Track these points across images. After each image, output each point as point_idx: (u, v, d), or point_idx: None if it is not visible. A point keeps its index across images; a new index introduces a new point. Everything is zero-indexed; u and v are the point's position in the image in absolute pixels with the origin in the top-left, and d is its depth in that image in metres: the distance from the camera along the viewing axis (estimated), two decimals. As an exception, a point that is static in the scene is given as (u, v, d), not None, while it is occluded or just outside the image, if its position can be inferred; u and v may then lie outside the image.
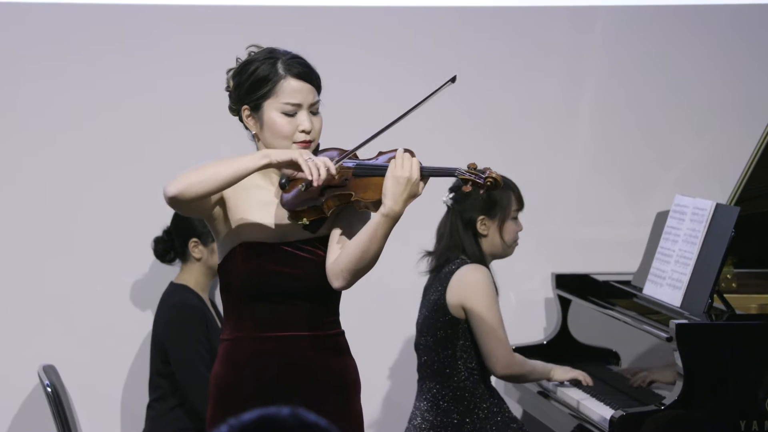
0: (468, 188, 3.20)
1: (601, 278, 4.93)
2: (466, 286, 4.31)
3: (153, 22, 5.08)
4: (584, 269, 5.08)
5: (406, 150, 3.22)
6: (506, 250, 4.49)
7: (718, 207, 4.25)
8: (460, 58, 5.23)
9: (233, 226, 3.31)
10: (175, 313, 4.65)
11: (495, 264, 4.54)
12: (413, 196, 3.18)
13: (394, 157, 3.20)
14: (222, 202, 3.31)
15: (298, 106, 3.30)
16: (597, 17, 5.29)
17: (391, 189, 3.15)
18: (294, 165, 3.16)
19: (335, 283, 3.24)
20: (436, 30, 5.22)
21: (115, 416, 5.09)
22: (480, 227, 4.42)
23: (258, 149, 3.37)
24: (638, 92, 5.33)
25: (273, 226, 3.32)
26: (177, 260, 4.81)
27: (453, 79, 3.29)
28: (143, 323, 4.98)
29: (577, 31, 5.29)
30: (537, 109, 5.28)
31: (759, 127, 4.53)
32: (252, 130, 3.36)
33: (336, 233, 3.30)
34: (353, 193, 3.24)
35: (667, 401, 3.95)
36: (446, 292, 4.35)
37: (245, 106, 3.34)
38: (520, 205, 4.50)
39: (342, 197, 3.26)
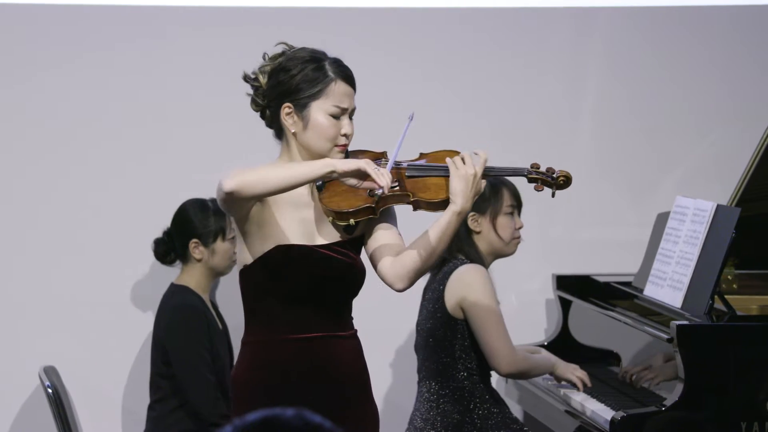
0: (540, 188, 3.36)
1: (601, 279, 4.93)
2: (463, 285, 4.31)
3: (161, 24, 5.08)
4: (585, 270, 5.08)
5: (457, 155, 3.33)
6: (505, 247, 4.48)
7: (719, 208, 4.25)
8: (461, 59, 5.23)
9: (267, 226, 3.30)
10: (176, 315, 4.65)
11: (495, 265, 4.53)
12: (478, 193, 3.30)
13: (450, 159, 3.31)
14: (263, 202, 3.31)
15: (345, 110, 3.35)
16: (598, 19, 5.29)
17: (461, 188, 3.26)
18: (361, 174, 3.18)
19: (399, 284, 3.34)
20: (437, 31, 5.22)
21: (116, 417, 5.08)
22: (471, 224, 4.41)
23: (289, 148, 3.37)
24: (639, 94, 5.33)
25: (307, 228, 3.34)
26: (177, 261, 4.81)
27: (411, 117, 3.37)
28: (144, 324, 4.98)
29: (577, 33, 5.29)
30: (538, 111, 5.28)
31: (760, 128, 4.53)
32: (291, 129, 3.35)
33: (380, 237, 3.36)
34: (411, 193, 3.30)
35: (668, 402, 3.95)
36: (444, 292, 4.35)
37: (286, 104, 3.34)
38: (517, 201, 4.49)
39: (398, 198, 3.31)
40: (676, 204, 4.48)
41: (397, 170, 3.33)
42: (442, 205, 3.31)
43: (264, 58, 3.41)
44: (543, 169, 3.37)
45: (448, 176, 3.32)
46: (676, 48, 5.34)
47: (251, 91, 3.43)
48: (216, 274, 4.78)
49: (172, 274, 4.82)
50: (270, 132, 4.88)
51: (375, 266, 3.39)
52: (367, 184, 3.22)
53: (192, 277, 4.74)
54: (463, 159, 3.29)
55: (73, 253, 5.05)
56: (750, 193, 4.47)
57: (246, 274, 3.35)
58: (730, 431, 3.95)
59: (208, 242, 4.70)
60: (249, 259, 3.32)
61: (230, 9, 5.12)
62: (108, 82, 5.06)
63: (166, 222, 4.79)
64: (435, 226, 3.29)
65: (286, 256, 3.29)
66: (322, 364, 3.33)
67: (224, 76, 5.07)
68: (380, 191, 3.15)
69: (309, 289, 3.30)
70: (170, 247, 4.79)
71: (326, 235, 3.34)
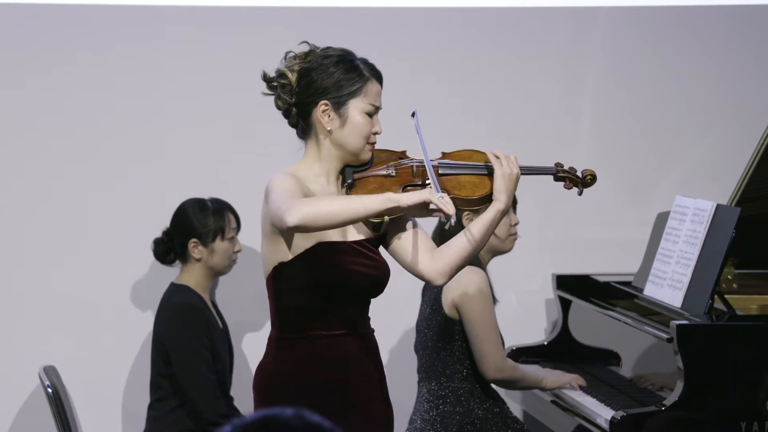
0: (569, 186, 3.48)
1: (601, 279, 4.93)
2: (460, 287, 4.31)
3: (160, 25, 5.08)
4: (585, 270, 5.08)
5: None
6: (502, 244, 4.48)
7: (719, 208, 4.25)
8: (461, 59, 5.23)
9: None
10: (176, 314, 4.65)
11: (495, 265, 4.53)
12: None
13: (494, 157, 3.39)
14: None
15: (378, 109, 3.40)
16: (597, 18, 5.29)
17: (505, 186, 3.37)
18: (425, 205, 3.19)
19: (441, 280, 3.42)
20: (437, 31, 5.22)
21: (116, 417, 5.08)
22: (466, 222, 4.41)
23: (318, 146, 3.38)
24: (639, 93, 5.33)
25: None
26: (177, 261, 4.81)
27: (414, 114, 3.42)
28: (144, 324, 4.98)
29: (577, 32, 5.29)
30: (537, 110, 5.28)
31: (759, 128, 4.53)
32: (326, 126, 3.36)
33: (410, 234, 3.41)
34: (446, 191, 3.34)
35: (667, 402, 3.95)
36: (442, 293, 4.35)
37: (323, 101, 3.36)
38: None
39: None
40: (675, 204, 4.48)
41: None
42: (479, 202, 3.40)
43: (286, 57, 3.41)
44: (567, 167, 3.49)
45: (481, 174, 3.41)
46: (675, 48, 5.34)
47: (270, 90, 3.42)
48: (215, 274, 4.78)
49: (172, 273, 4.82)
50: (269, 132, 4.90)
51: (406, 262, 3.44)
52: (431, 214, 3.25)
53: (192, 277, 4.74)
54: (509, 159, 3.38)
55: (73, 253, 5.05)
56: (750, 193, 4.47)
57: (282, 271, 3.35)
58: (729, 431, 3.95)
59: (207, 242, 4.71)
60: (287, 257, 3.33)
61: (229, 9, 5.11)
62: (108, 82, 5.06)
63: (165, 222, 4.79)
64: (478, 223, 3.38)
65: (328, 252, 3.32)
66: (351, 361, 3.38)
67: (223, 76, 5.11)
68: (452, 219, 3.17)
69: (346, 286, 3.34)
70: (170, 247, 4.79)
71: (358, 232, 3.39)
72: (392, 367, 5.16)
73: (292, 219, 3.13)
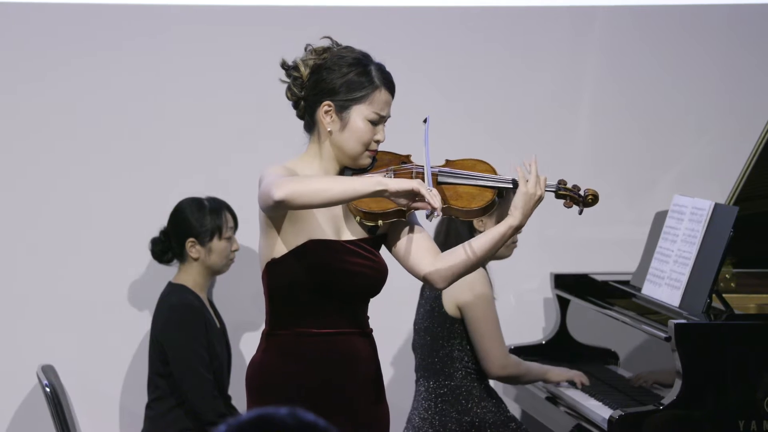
0: (570, 204, 3.45)
1: (599, 278, 4.93)
2: (462, 285, 4.30)
3: (162, 24, 5.08)
4: (583, 269, 5.08)
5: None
6: (505, 249, 4.49)
7: (717, 207, 4.25)
8: (459, 58, 5.23)
9: (300, 221, 3.31)
10: (174, 314, 4.65)
11: (494, 264, 4.53)
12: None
13: (521, 174, 3.37)
14: None
15: (384, 118, 3.38)
16: (596, 18, 5.29)
17: (523, 204, 3.35)
18: (413, 194, 3.17)
19: (442, 284, 3.40)
20: (434, 30, 5.22)
21: (113, 416, 5.08)
22: (477, 224, 4.41)
23: (319, 143, 3.38)
24: (637, 92, 5.33)
25: (336, 224, 3.37)
26: (175, 260, 4.81)
27: (426, 120, 3.43)
28: (142, 323, 4.98)
29: (576, 32, 5.29)
30: (535, 110, 5.28)
31: (757, 127, 4.53)
32: (327, 127, 3.35)
33: (412, 237, 3.40)
34: (443, 200, 3.32)
35: (666, 401, 3.95)
36: (443, 291, 4.35)
37: (327, 102, 3.35)
38: None
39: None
40: (673, 203, 4.48)
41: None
42: (475, 213, 3.38)
43: (305, 50, 3.41)
44: (570, 185, 3.46)
45: (480, 186, 3.39)
46: (673, 47, 5.34)
47: (287, 79, 3.41)
48: (213, 273, 4.78)
49: (171, 273, 4.82)
50: (269, 132, 4.91)
51: (407, 264, 3.42)
52: (418, 204, 3.23)
53: (189, 276, 4.74)
54: (538, 180, 3.37)
55: (72, 253, 5.05)
56: (748, 192, 4.47)
57: (274, 267, 3.35)
58: (727, 430, 3.95)
59: (205, 241, 4.71)
60: (279, 253, 3.33)
61: (231, 9, 5.11)
62: (108, 82, 5.06)
63: (163, 221, 4.79)
64: (488, 234, 3.35)
65: (319, 250, 3.31)
66: (344, 360, 3.37)
67: (224, 76, 5.10)
68: (436, 213, 3.14)
69: (337, 285, 3.33)
70: (167, 247, 4.79)
71: (353, 232, 3.38)
72: (391, 367, 5.17)
73: (278, 193, 3.12)
